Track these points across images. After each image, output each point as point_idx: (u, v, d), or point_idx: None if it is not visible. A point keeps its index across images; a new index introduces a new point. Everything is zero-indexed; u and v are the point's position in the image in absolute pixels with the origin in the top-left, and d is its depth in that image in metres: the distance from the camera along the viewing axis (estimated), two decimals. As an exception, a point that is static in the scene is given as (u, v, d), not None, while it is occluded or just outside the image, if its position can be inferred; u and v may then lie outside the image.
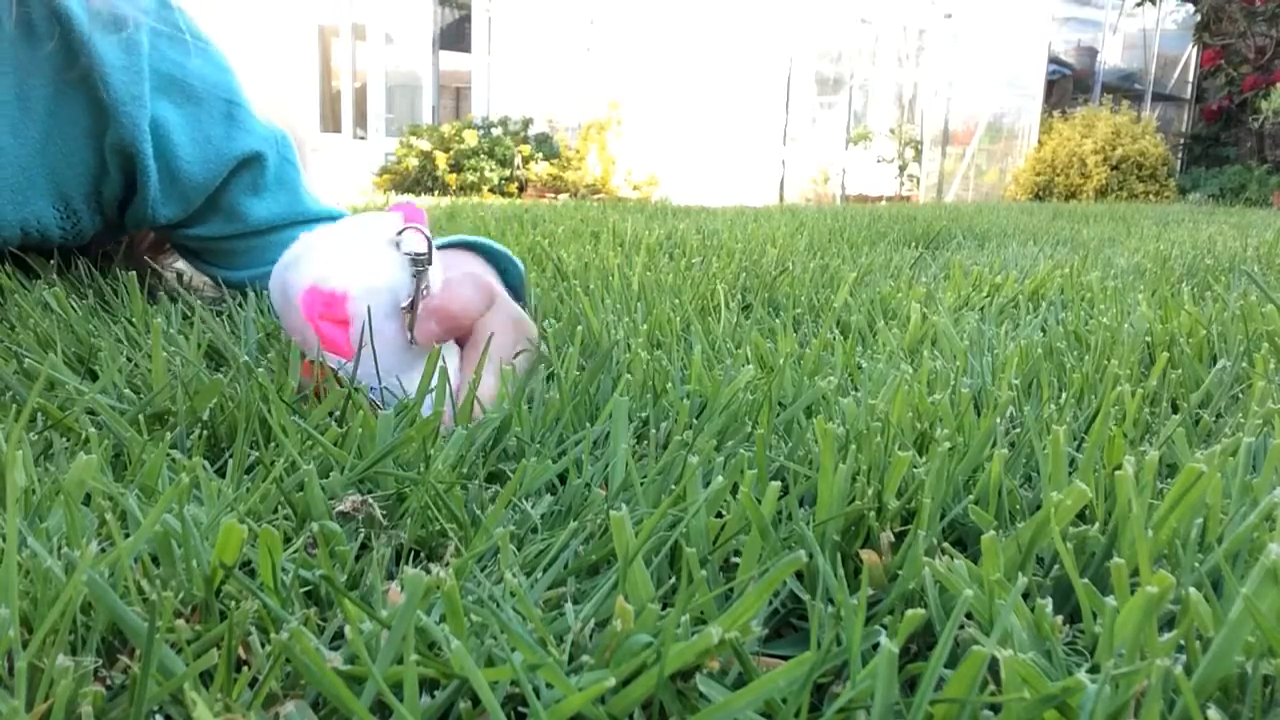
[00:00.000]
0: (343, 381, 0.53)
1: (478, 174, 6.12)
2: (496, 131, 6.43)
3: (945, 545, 0.40)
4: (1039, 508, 0.39)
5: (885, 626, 0.33)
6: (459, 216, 2.32)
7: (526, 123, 6.58)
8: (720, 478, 0.40)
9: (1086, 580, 0.34)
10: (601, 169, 6.38)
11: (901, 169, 7.01)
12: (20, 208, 0.79)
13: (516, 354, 0.59)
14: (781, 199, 6.40)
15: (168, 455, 0.45)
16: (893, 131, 7.02)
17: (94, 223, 0.84)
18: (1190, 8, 7.26)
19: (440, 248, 0.64)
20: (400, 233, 0.55)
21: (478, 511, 0.42)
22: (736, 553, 0.38)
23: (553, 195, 5.80)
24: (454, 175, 6.15)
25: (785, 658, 0.31)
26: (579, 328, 0.70)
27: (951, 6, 6.78)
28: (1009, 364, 0.66)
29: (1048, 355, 0.70)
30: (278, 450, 0.47)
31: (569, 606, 0.34)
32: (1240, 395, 0.64)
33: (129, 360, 0.62)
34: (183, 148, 0.81)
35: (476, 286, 0.57)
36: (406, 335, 0.55)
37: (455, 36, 7.51)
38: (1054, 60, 7.04)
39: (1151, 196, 5.99)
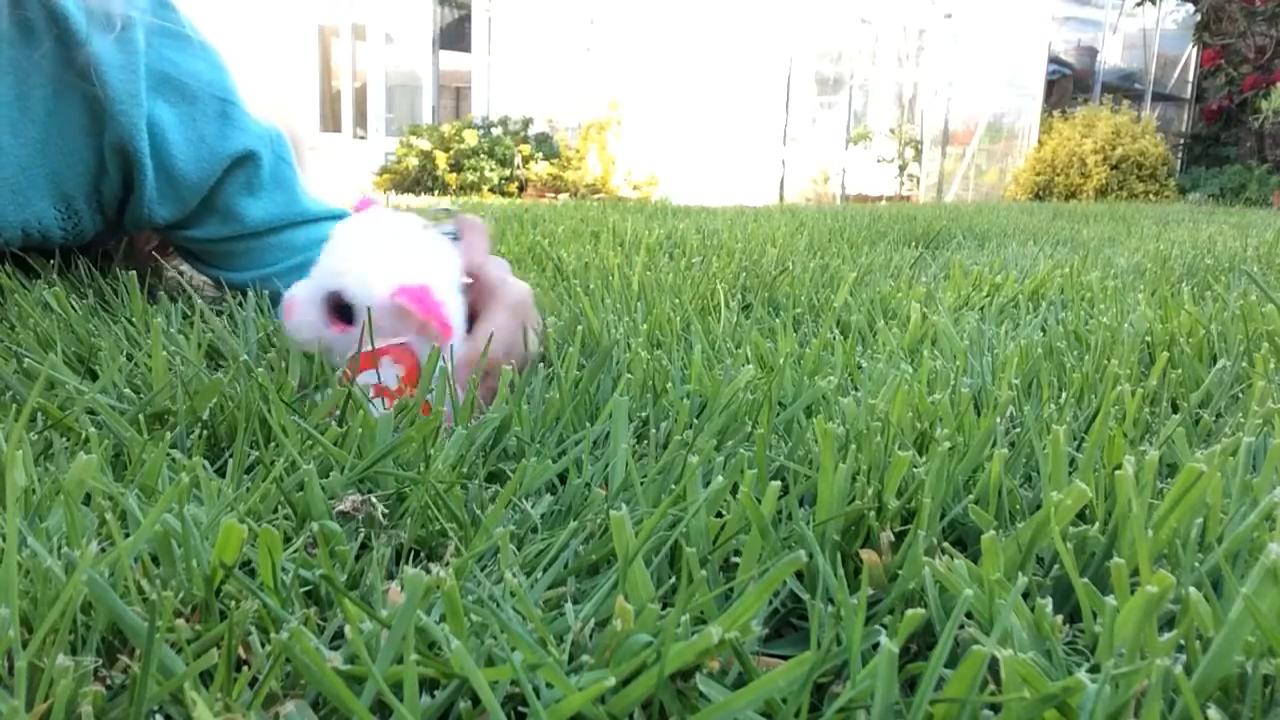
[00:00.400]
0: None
1: (478, 174, 6.12)
2: (496, 131, 6.43)
3: (945, 545, 0.40)
4: (1039, 508, 0.39)
5: (885, 626, 0.33)
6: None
7: (526, 122, 6.57)
8: (720, 478, 0.40)
9: (1086, 580, 0.34)
10: (601, 169, 6.38)
11: (901, 169, 7.01)
12: (21, 208, 0.79)
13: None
14: (781, 199, 6.40)
15: (168, 455, 0.45)
16: (893, 131, 7.02)
17: (95, 223, 0.84)
18: (1190, 8, 7.25)
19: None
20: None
21: (478, 511, 0.42)
22: (736, 553, 0.38)
23: (553, 195, 5.80)
24: (454, 175, 6.15)
25: (785, 658, 0.31)
26: (579, 327, 0.70)
27: (951, 6, 6.78)
28: (1009, 364, 0.66)
29: (1048, 355, 0.70)
30: (278, 450, 0.47)
31: (569, 606, 0.34)
32: (1240, 395, 0.64)
33: (129, 360, 0.62)
34: (177, 146, 0.80)
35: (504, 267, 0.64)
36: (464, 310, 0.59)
37: (455, 36, 7.51)
38: (1054, 60, 7.04)
39: (1151, 196, 5.99)
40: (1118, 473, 0.38)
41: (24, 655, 0.27)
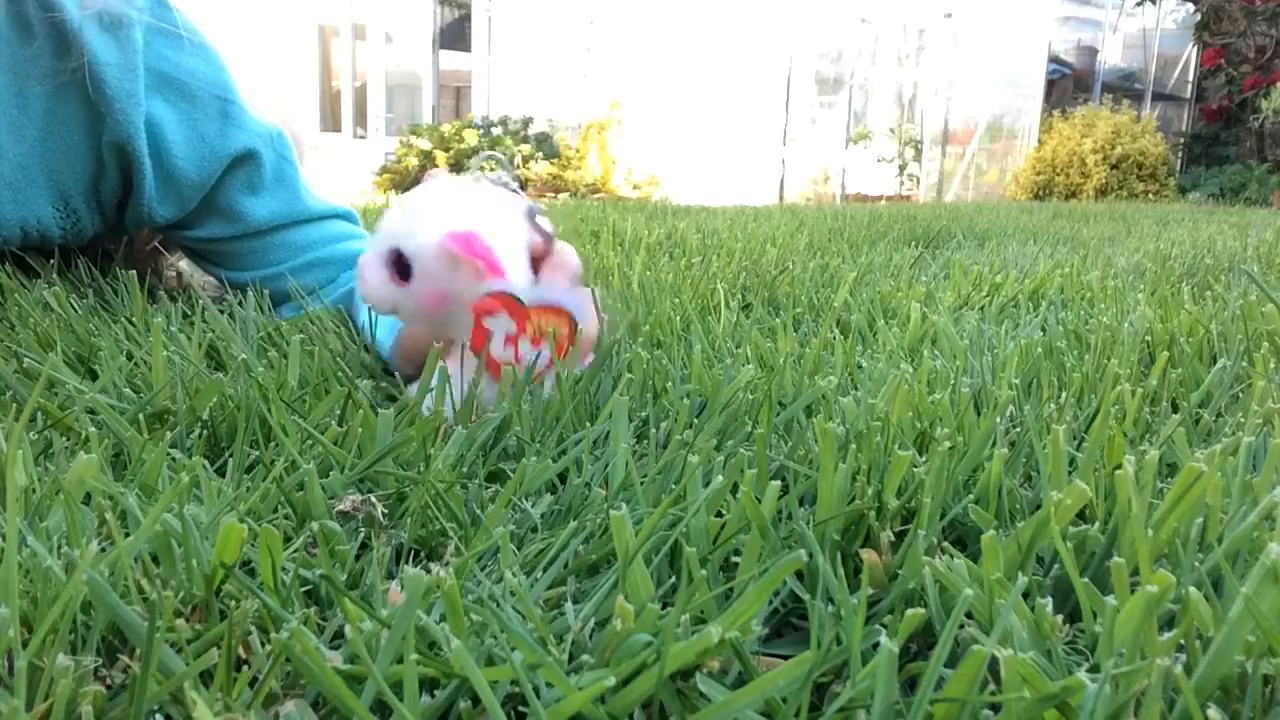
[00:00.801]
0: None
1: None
2: (496, 131, 6.43)
3: (945, 545, 0.40)
4: (1039, 507, 0.39)
5: (885, 626, 0.33)
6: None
7: (526, 122, 6.57)
8: (720, 477, 0.40)
9: (1086, 580, 0.34)
10: (601, 168, 6.38)
11: (901, 169, 7.01)
12: (20, 207, 0.79)
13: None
14: (781, 199, 6.40)
15: (168, 455, 0.45)
16: (893, 131, 7.02)
17: (93, 222, 0.84)
18: (1190, 7, 7.25)
19: None
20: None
21: (478, 511, 0.42)
22: (736, 552, 0.38)
23: (553, 194, 5.80)
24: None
25: (785, 657, 0.31)
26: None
27: (951, 6, 6.77)
28: (1009, 363, 0.66)
29: (1048, 355, 0.70)
30: (278, 450, 0.47)
31: (569, 606, 0.34)
32: (1240, 394, 0.64)
33: (129, 360, 0.62)
34: (177, 145, 0.80)
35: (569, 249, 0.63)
36: (528, 261, 0.60)
37: (455, 36, 7.50)
38: (1054, 60, 7.03)
39: (1151, 196, 5.99)
40: (1118, 473, 0.38)
41: (24, 655, 0.27)
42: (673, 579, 0.37)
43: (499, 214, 0.59)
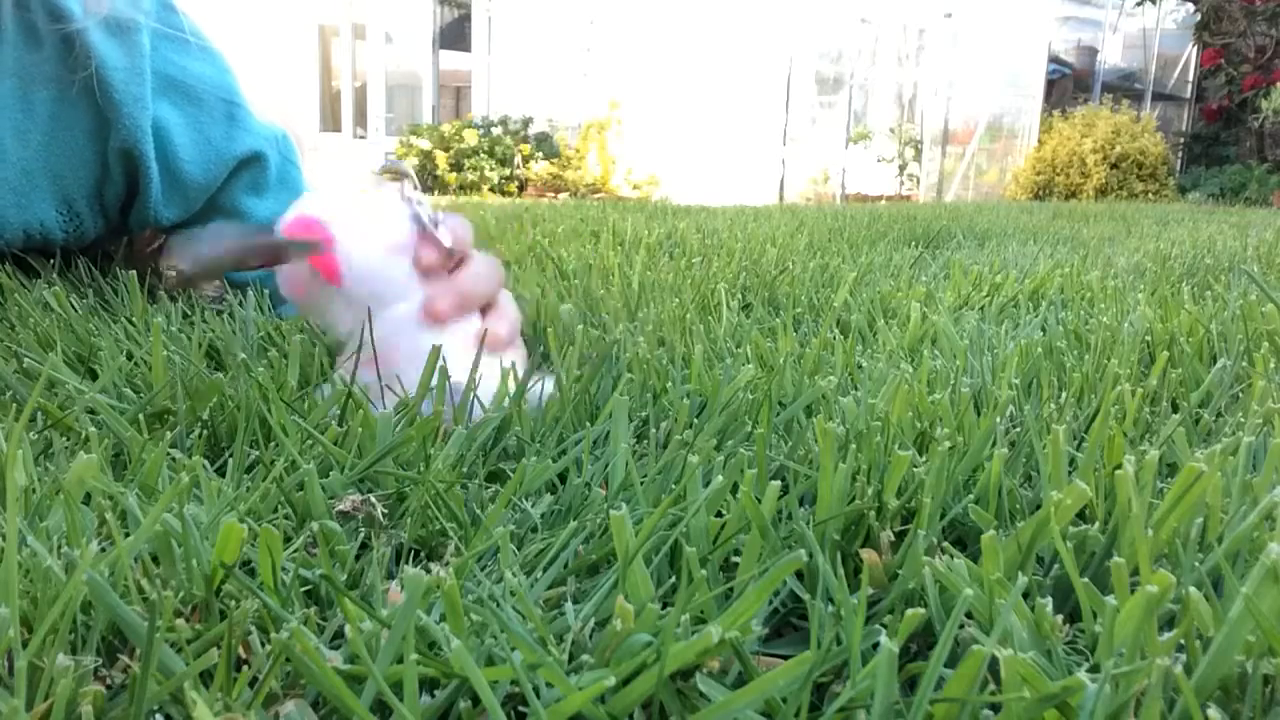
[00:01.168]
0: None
1: (478, 173, 6.13)
2: (496, 131, 6.43)
3: (945, 545, 0.40)
4: (1039, 507, 0.39)
5: (885, 626, 0.33)
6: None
7: (526, 122, 6.58)
8: (720, 477, 0.40)
9: (1086, 580, 0.34)
10: (601, 168, 6.39)
11: (901, 169, 7.01)
12: (23, 210, 0.79)
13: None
14: (781, 198, 6.40)
15: (168, 455, 0.45)
16: (893, 131, 7.02)
17: (96, 225, 0.84)
18: (1190, 7, 7.25)
19: None
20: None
21: (478, 511, 0.42)
22: (736, 552, 0.38)
23: (553, 194, 5.80)
24: (454, 174, 6.15)
25: (785, 657, 0.31)
26: (579, 327, 0.70)
27: (951, 6, 6.77)
28: (1009, 363, 0.66)
29: (1048, 355, 0.70)
30: (278, 449, 0.47)
31: (569, 606, 0.34)
32: (1240, 394, 0.64)
33: (129, 360, 0.62)
34: (184, 149, 0.81)
35: (493, 266, 0.60)
36: (414, 276, 0.57)
37: (455, 36, 7.50)
38: (1054, 60, 7.04)
39: (1151, 196, 5.99)
40: (1118, 472, 0.38)
41: (24, 655, 0.27)
42: (673, 579, 0.37)
43: (367, 213, 0.59)
